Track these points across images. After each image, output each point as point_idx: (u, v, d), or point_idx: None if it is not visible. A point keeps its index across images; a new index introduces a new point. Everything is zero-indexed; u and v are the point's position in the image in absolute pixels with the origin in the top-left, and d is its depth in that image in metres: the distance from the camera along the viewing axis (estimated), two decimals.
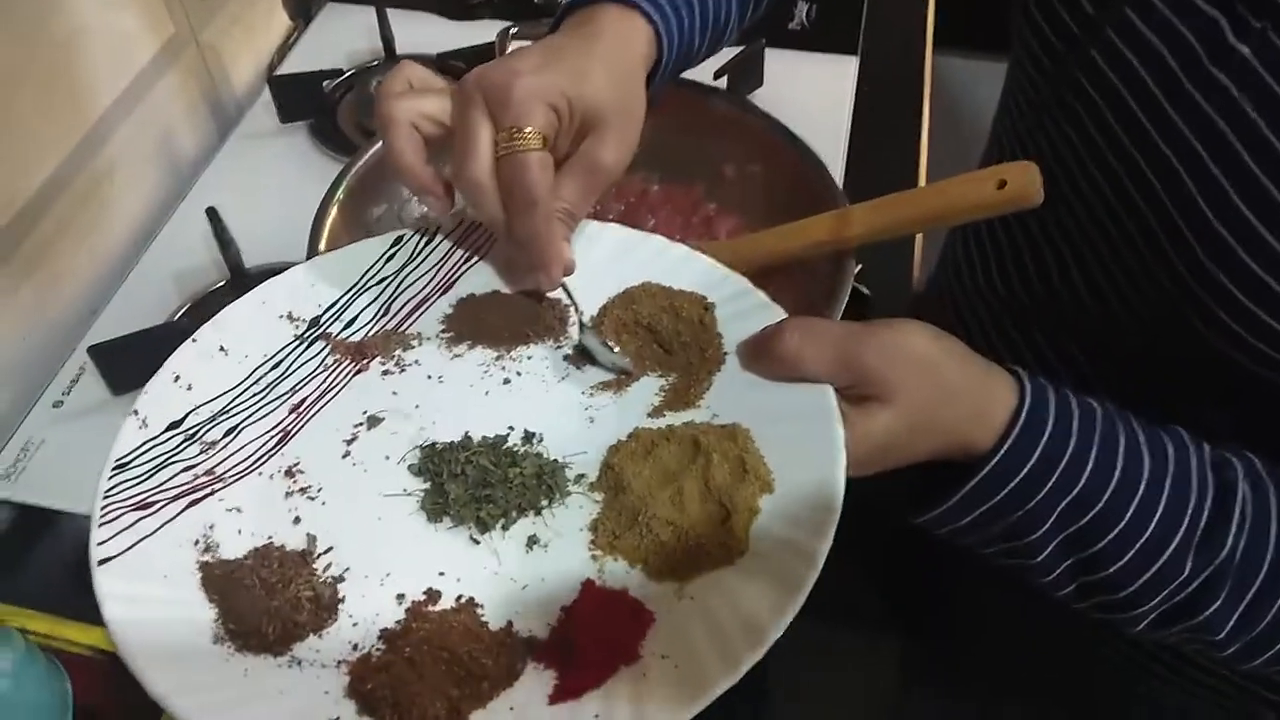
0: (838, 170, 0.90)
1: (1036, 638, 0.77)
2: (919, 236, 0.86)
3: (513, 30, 0.84)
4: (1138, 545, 0.47)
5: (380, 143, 0.71)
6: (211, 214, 0.79)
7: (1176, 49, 0.52)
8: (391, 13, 1.01)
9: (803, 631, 0.61)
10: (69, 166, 0.80)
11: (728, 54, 0.95)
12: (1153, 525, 0.47)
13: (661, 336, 0.54)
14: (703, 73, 0.83)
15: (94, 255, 0.85)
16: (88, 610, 0.62)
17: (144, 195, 0.91)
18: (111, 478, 0.47)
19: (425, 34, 1.05)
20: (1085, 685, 0.74)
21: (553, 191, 0.50)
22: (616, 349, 0.54)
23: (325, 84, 0.98)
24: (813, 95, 0.95)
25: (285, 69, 1.04)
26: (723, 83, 0.91)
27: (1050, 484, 0.47)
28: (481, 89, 0.50)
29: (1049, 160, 0.60)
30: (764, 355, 0.50)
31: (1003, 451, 0.47)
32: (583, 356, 0.55)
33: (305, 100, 0.96)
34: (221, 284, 0.82)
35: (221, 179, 0.93)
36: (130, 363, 0.72)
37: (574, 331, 0.56)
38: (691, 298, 0.55)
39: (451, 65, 1.01)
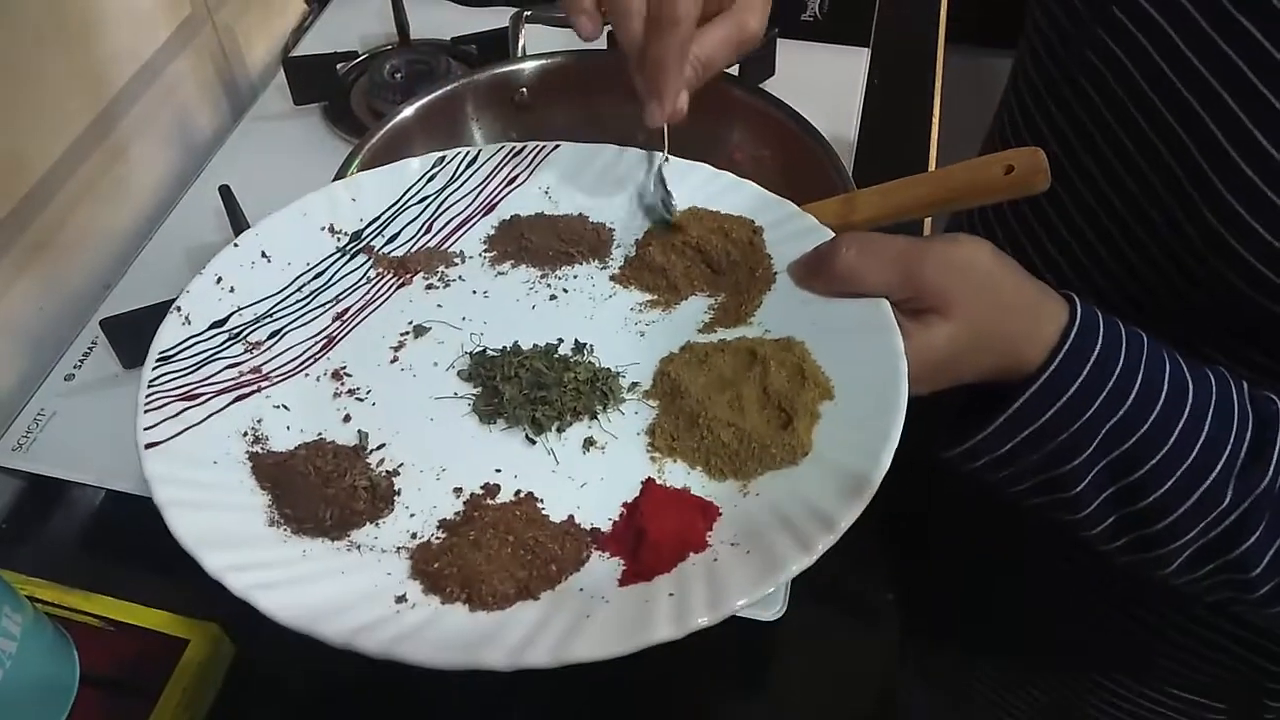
0: (847, 162, 0.90)
1: (1042, 627, 0.77)
2: (927, 221, 0.87)
3: (526, 14, 0.84)
4: (1179, 471, 0.47)
5: (394, 119, 0.72)
6: (225, 192, 0.79)
7: (1179, 22, 0.52)
8: None
9: (803, 620, 0.62)
10: (84, 143, 0.81)
11: None
12: (1195, 452, 0.47)
13: (710, 257, 0.54)
14: None
15: (107, 231, 0.85)
16: (96, 580, 0.64)
17: (158, 173, 0.91)
18: (156, 368, 0.47)
19: (439, 18, 1.05)
20: (1093, 675, 0.74)
21: (694, 39, 0.51)
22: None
23: (339, 67, 0.98)
24: (824, 86, 0.95)
25: (300, 51, 1.04)
26: (734, 71, 0.91)
27: (1097, 403, 0.47)
28: None
29: (1051, 143, 0.61)
30: (820, 270, 0.50)
31: (1053, 367, 0.47)
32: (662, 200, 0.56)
33: (319, 82, 0.96)
34: None
35: (235, 158, 0.93)
36: (142, 337, 0.72)
37: (619, 234, 0.57)
38: (740, 220, 0.55)
39: (464, 50, 1.01)
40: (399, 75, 0.96)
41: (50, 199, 0.78)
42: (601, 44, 0.58)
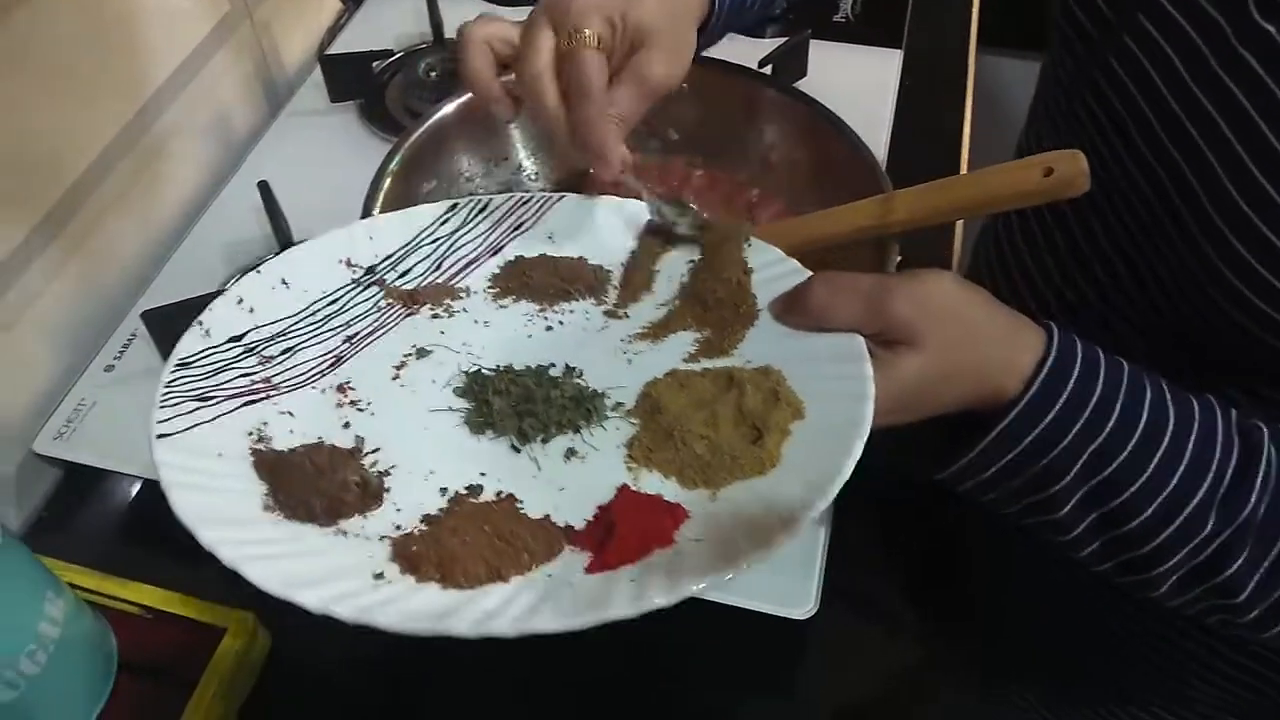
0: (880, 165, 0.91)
1: (1061, 630, 0.77)
2: (959, 223, 0.87)
3: None
4: (1161, 497, 0.48)
5: (432, 117, 0.73)
6: (263, 187, 0.80)
7: (1202, 28, 0.52)
8: None
9: (826, 621, 0.63)
10: (125, 138, 0.82)
11: (773, 44, 0.96)
12: (1176, 478, 0.48)
13: (701, 296, 0.57)
14: (748, 61, 0.84)
15: (147, 225, 0.86)
16: (134, 568, 0.65)
17: (196, 169, 0.92)
18: (174, 372, 0.50)
19: (473, 17, 1.05)
20: (1112, 677, 0.74)
21: (605, 97, 0.55)
22: (693, 204, 0.59)
23: (375, 65, 0.99)
24: (856, 87, 0.95)
25: (336, 49, 1.05)
26: (767, 71, 0.91)
27: (1076, 428, 0.48)
28: (548, 8, 0.56)
29: (1083, 145, 0.61)
30: (794, 307, 0.52)
31: (1031, 393, 0.48)
32: (659, 232, 0.60)
33: (355, 80, 0.97)
34: (269, 256, 0.84)
35: (271, 155, 0.94)
36: (180, 329, 0.73)
37: (616, 275, 0.60)
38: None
39: None
40: (434, 74, 0.97)
41: (91, 194, 0.79)
42: None
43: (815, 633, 0.64)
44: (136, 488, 0.73)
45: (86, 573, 0.64)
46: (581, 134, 0.55)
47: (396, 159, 0.70)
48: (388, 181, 0.69)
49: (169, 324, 0.74)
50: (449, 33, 1.02)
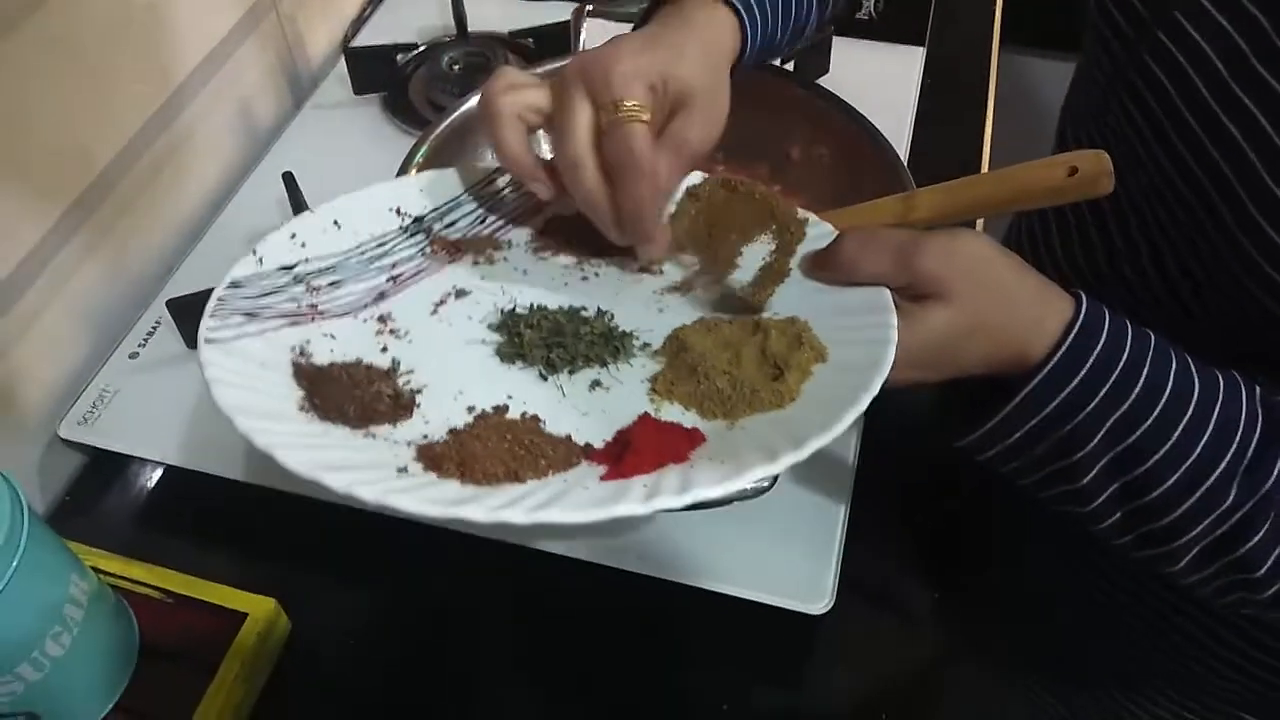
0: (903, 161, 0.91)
1: (1074, 624, 0.77)
2: (980, 221, 0.86)
3: (588, 9, 0.84)
4: (1184, 467, 0.48)
5: (457, 111, 0.73)
6: (288, 178, 0.81)
7: (1241, 26, 0.52)
8: None
9: (850, 615, 0.63)
10: (152, 127, 0.83)
11: None
12: (1200, 447, 0.48)
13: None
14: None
15: (173, 214, 0.87)
16: (155, 553, 0.66)
17: (221, 159, 0.93)
18: (227, 289, 0.53)
19: (496, 11, 1.06)
20: (1117, 660, 0.74)
21: (655, 174, 0.52)
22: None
23: (399, 58, 1.00)
24: (878, 85, 0.95)
25: (360, 41, 1.06)
26: (790, 68, 0.91)
27: (1102, 393, 0.48)
28: (582, 73, 0.52)
29: (1114, 144, 0.61)
30: (824, 262, 0.53)
31: (1058, 356, 0.48)
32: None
33: (379, 73, 0.98)
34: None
35: (295, 146, 0.95)
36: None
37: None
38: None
39: (520, 43, 1.02)
40: (457, 67, 0.98)
41: (117, 183, 0.80)
42: None
43: (830, 627, 0.64)
44: (159, 474, 0.74)
45: (109, 557, 0.65)
46: (631, 215, 0.53)
47: (422, 151, 0.70)
48: (412, 173, 0.69)
49: (193, 312, 0.74)
50: (472, 27, 1.03)
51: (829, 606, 0.63)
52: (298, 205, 0.80)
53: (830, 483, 0.69)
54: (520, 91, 0.54)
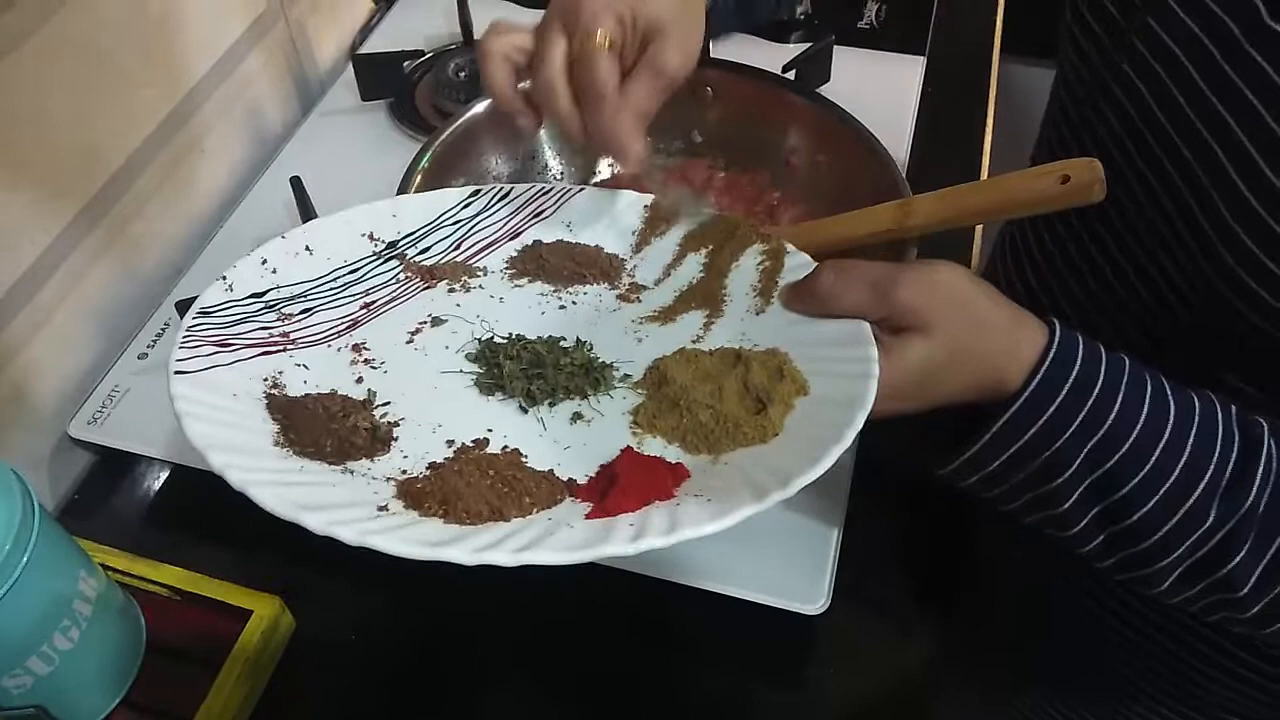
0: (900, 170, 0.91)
1: (1069, 630, 0.77)
2: (978, 228, 0.87)
3: None
4: (1163, 489, 0.48)
5: (462, 117, 0.75)
6: (295, 183, 0.82)
7: (1211, 31, 0.52)
8: None
9: (838, 617, 0.63)
10: (162, 133, 0.84)
11: (797, 49, 0.96)
12: (1179, 469, 0.48)
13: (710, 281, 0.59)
14: (772, 66, 0.85)
15: (182, 217, 0.88)
16: (162, 551, 0.66)
17: (230, 164, 0.94)
18: (195, 318, 0.51)
19: (501, 19, 1.07)
20: (1130, 673, 0.74)
21: (622, 93, 0.56)
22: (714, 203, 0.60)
23: (405, 65, 1.01)
24: (878, 94, 0.96)
25: (367, 49, 1.07)
26: (791, 76, 0.92)
27: (1079, 419, 0.48)
28: (560, 11, 0.56)
29: (1097, 154, 0.61)
30: (803, 293, 0.54)
31: (1035, 382, 0.48)
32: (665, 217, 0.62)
33: (386, 79, 0.99)
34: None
35: (303, 152, 0.96)
36: None
37: (631, 264, 0.61)
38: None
39: None
40: (463, 74, 0.99)
41: (128, 187, 0.81)
42: None
43: (826, 628, 0.65)
44: (167, 473, 0.75)
45: (116, 554, 0.66)
46: (596, 135, 0.56)
47: (426, 157, 0.71)
48: (417, 179, 0.70)
49: None
50: (478, 34, 1.04)
51: (825, 607, 0.63)
52: (305, 209, 0.81)
53: (828, 484, 0.69)
54: (509, 34, 0.59)
